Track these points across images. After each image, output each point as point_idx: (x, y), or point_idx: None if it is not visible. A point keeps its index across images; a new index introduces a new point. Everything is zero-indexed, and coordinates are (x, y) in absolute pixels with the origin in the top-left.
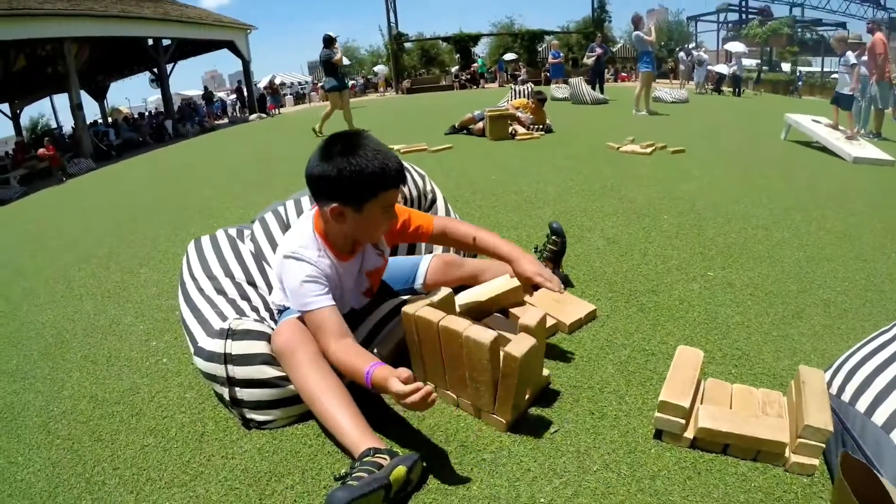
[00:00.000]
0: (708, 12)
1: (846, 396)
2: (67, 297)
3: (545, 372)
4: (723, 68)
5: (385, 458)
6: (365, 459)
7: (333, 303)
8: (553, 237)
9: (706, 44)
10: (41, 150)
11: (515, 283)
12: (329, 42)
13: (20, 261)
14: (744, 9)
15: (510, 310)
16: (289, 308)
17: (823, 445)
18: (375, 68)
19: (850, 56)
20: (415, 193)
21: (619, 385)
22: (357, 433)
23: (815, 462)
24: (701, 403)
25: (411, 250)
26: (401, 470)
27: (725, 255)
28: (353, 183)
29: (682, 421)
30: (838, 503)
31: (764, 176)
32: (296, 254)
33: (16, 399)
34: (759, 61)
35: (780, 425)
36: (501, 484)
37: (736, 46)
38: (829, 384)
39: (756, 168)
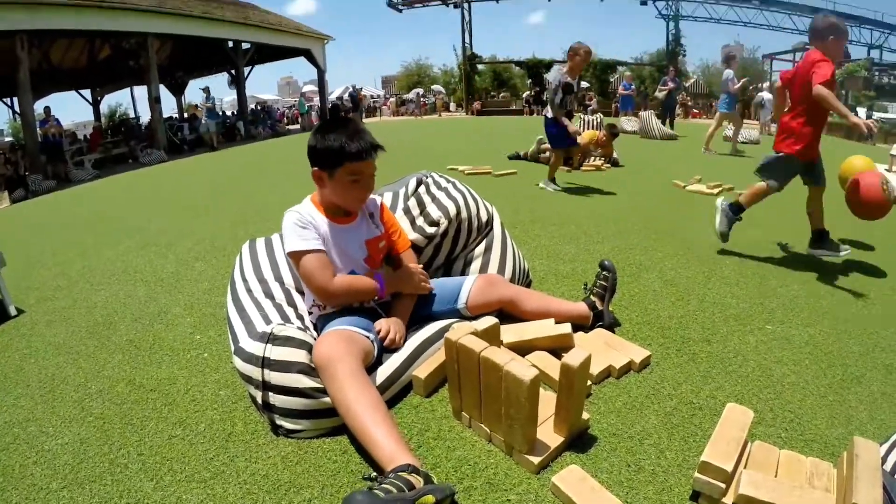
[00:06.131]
0: (784, 51)
1: None
2: (122, 280)
3: (584, 416)
4: None
5: (419, 480)
6: (400, 473)
7: (324, 249)
8: (603, 272)
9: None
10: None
11: (566, 328)
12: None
13: (84, 240)
14: None
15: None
16: (327, 321)
17: None
18: (433, 87)
19: None
20: (484, 219)
21: (660, 438)
22: (393, 446)
23: None
24: (744, 467)
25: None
26: (429, 499)
27: (787, 307)
28: (323, 152)
29: (723, 485)
30: None
31: (834, 226)
32: (291, 210)
33: (57, 372)
34: None
35: (826, 500)
36: None
37: None
38: (884, 459)
39: (826, 217)
